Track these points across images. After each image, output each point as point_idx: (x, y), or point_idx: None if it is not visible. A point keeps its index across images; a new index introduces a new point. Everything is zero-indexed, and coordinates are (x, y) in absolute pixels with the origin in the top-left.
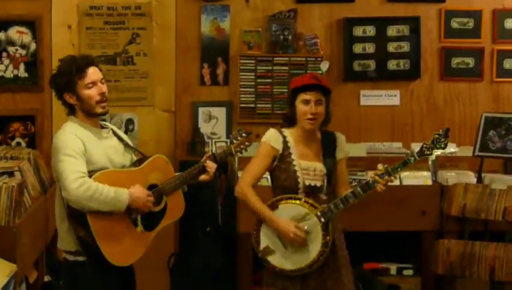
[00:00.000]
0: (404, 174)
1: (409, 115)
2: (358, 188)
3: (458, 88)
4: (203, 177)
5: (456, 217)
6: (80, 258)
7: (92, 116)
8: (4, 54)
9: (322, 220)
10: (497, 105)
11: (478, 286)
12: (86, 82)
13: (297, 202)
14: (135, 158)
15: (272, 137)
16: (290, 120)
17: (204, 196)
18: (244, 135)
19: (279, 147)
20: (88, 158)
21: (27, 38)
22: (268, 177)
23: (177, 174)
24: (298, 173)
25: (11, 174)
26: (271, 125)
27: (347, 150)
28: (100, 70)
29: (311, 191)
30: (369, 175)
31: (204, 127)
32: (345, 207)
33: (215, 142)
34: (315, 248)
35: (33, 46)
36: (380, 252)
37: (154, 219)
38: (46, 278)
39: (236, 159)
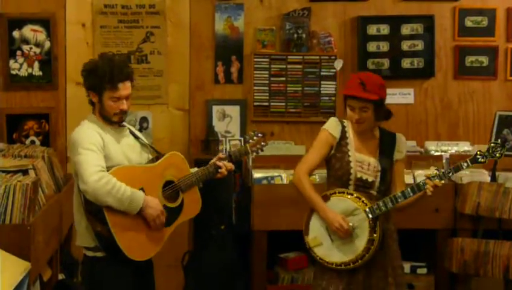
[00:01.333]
0: (418, 172)
1: (423, 114)
2: (409, 189)
3: (472, 86)
4: (219, 175)
5: (470, 216)
6: (99, 254)
7: (108, 122)
8: (18, 52)
9: (370, 216)
10: (511, 103)
11: (492, 284)
12: (111, 95)
13: (349, 196)
14: (151, 157)
15: (331, 125)
16: None
17: (218, 193)
18: (259, 135)
19: (337, 135)
20: (106, 154)
21: (41, 36)
22: (316, 176)
23: (192, 171)
24: (352, 164)
25: (25, 172)
26: (285, 123)
27: (405, 152)
28: (132, 83)
29: (363, 185)
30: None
31: (218, 125)
32: (394, 206)
33: (229, 140)
34: (360, 244)
35: (47, 44)
36: None
37: (171, 215)
38: (60, 276)
39: (250, 157)
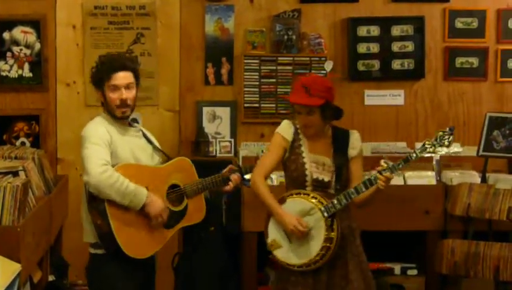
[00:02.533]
0: (408, 174)
1: (413, 115)
2: (361, 184)
3: (462, 88)
4: (226, 188)
5: (461, 217)
6: (100, 251)
7: (115, 118)
8: (9, 54)
9: (325, 215)
10: (501, 105)
11: (482, 286)
12: (109, 84)
13: (305, 197)
14: (162, 161)
15: (283, 128)
16: None
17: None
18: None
19: (290, 137)
20: (113, 150)
21: (31, 38)
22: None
23: (200, 179)
24: (307, 165)
25: (15, 173)
26: (275, 124)
27: (360, 148)
28: (135, 74)
29: (319, 186)
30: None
31: (209, 127)
32: (348, 202)
33: (220, 141)
34: (317, 243)
35: (37, 45)
36: (384, 252)
37: (174, 219)
38: (51, 278)
39: (240, 157)
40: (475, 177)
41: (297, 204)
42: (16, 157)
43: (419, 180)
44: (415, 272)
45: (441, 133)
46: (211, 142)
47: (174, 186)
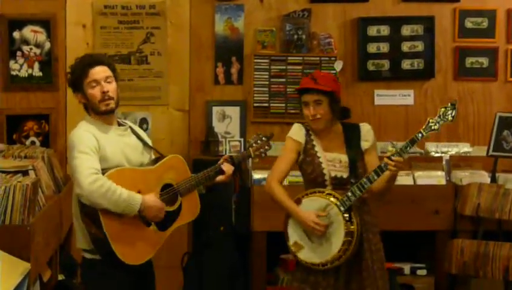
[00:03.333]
0: (418, 173)
1: (423, 115)
2: (372, 172)
3: (472, 88)
4: (219, 178)
5: (470, 217)
6: (97, 257)
7: (100, 114)
8: (19, 53)
9: (342, 209)
10: (511, 105)
11: (492, 286)
12: (88, 81)
13: (319, 194)
14: (154, 157)
15: (294, 131)
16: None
17: (218, 195)
18: (263, 138)
19: (302, 139)
20: (103, 155)
21: (41, 37)
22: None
23: (192, 175)
24: (323, 165)
25: (25, 173)
26: (285, 124)
27: (373, 139)
28: (110, 68)
29: (339, 183)
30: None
31: (218, 126)
32: (363, 193)
33: (229, 141)
34: (339, 238)
35: (47, 45)
36: (393, 252)
37: (168, 219)
38: (60, 277)
39: (253, 161)
40: (485, 177)
41: (314, 202)
42: (25, 157)
43: (429, 180)
44: (424, 272)
45: (443, 109)
46: (220, 141)
47: (167, 186)
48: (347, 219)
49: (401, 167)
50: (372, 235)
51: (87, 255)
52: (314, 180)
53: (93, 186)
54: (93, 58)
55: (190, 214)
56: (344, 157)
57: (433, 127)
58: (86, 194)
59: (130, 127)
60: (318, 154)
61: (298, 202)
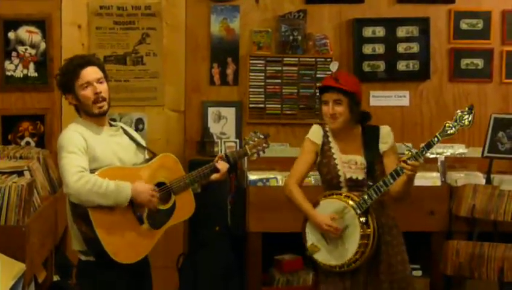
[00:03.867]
0: None
1: (418, 116)
2: (389, 176)
3: (467, 89)
4: (214, 176)
5: (465, 218)
6: (93, 258)
7: (92, 116)
8: (14, 54)
9: (358, 211)
10: (506, 106)
11: (487, 287)
12: (80, 83)
13: (336, 197)
14: (147, 157)
15: (312, 132)
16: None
17: (213, 195)
18: (261, 136)
19: (319, 141)
20: (92, 155)
21: (37, 37)
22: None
23: (186, 173)
24: (339, 167)
25: (20, 173)
26: (281, 125)
27: (392, 141)
28: (101, 68)
29: (354, 185)
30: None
31: (214, 127)
32: (379, 196)
33: (225, 142)
34: (354, 242)
35: (43, 45)
36: None
37: (162, 217)
38: (55, 278)
39: (245, 158)
40: (480, 179)
41: (331, 205)
42: (20, 157)
43: (424, 181)
44: (419, 273)
45: (460, 113)
46: (216, 142)
47: (160, 184)
48: (363, 221)
49: (416, 170)
50: (391, 238)
51: (83, 257)
52: (329, 181)
53: (78, 184)
54: (84, 59)
55: (184, 212)
56: (360, 159)
57: (449, 132)
58: (72, 192)
59: (122, 127)
60: (334, 156)
61: (316, 204)
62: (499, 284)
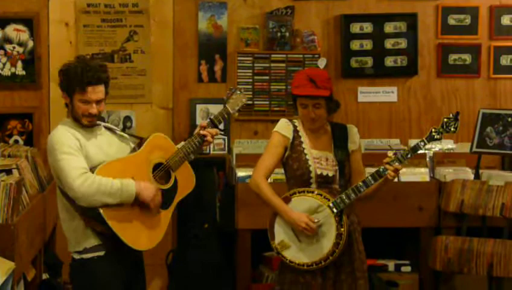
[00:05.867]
0: (402, 170)
1: (406, 112)
2: (369, 177)
3: (455, 84)
4: (206, 143)
5: (454, 213)
6: (87, 256)
7: (78, 122)
8: (1, 52)
9: (335, 211)
10: (494, 101)
11: (476, 282)
12: (80, 97)
13: (310, 195)
14: (133, 146)
15: (282, 126)
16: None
17: (202, 192)
18: (237, 92)
19: (290, 135)
20: (85, 154)
21: (24, 35)
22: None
23: (179, 146)
24: (310, 162)
25: (9, 172)
26: (269, 122)
27: (359, 141)
28: (106, 86)
29: (324, 181)
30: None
31: None
32: (357, 197)
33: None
34: (329, 240)
35: (30, 43)
36: (377, 249)
37: (168, 197)
38: (44, 276)
39: (234, 155)
40: (468, 174)
41: (304, 202)
42: (9, 156)
43: (412, 177)
44: (408, 268)
45: (446, 119)
46: None
47: (158, 165)
48: (338, 221)
49: (398, 173)
50: (358, 235)
51: (76, 256)
52: (299, 177)
53: (84, 187)
54: (95, 76)
55: (187, 185)
56: (331, 156)
57: (435, 137)
58: (80, 196)
59: (103, 125)
60: (305, 151)
61: (287, 200)
62: (488, 279)
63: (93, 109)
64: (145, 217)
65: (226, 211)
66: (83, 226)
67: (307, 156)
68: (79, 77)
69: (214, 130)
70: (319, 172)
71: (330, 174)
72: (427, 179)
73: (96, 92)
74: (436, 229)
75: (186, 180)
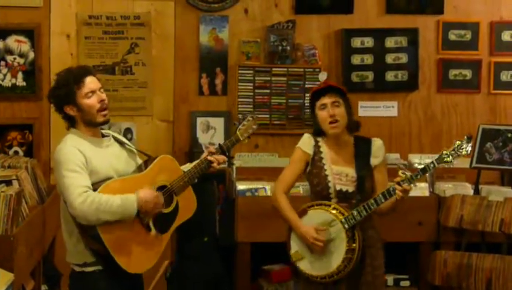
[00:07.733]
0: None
1: (406, 126)
2: (380, 195)
3: (456, 100)
4: (212, 169)
5: (453, 229)
6: (88, 269)
7: (93, 125)
8: (2, 63)
9: (346, 226)
10: (494, 117)
11: None
12: (84, 91)
13: (326, 208)
14: (140, 161)
15: (303, 141)
16: (318, 131)
17: (202, 205)
18: (249, 118)
19: (310, 151)
20: (91, 169)
21: (25, 47)
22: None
23: (184, 170)
24: (329, 178)
25: (8, 183)
26: (269, 135)
27: (383, 156)
28: (98, 79)
29: (344, 197)
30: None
31: (203, 137)
32: (369, 213)
33: None
34: (339, 255)
35: (31, 55)
36: None
37: (167, 221)
38: (43, 288)
39: (234, 169)
40: (468, 189)
41: (319, 216)
42: (9, 167)
43: (412, 192)
44: (407, 283)
45: (458, 142)
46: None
47: (161, 188)
48: (350, 236)
49: (407, 194)
50: (375, 251)
51: (77, 268)
52: (319, 192)
53: (84, 206)
54: (84, 69)
55: (188, 211)
56: (351, 172)
57: (445, 159)
58: (80, 214)
59: (113, 136)
60: (325, 167)
61: (304, 212)
62: None
63: (102, 94)
64: (142, 239)
65: (226, 224)
66: (77, 242)
67: (327, 172)
68: (72, 75)
69: (221, 157)
70: (338, 188)
71: (350, 189)
72: (427, 193)
73: (94, 80)
74: (436, 244)
75: (187, 205)
